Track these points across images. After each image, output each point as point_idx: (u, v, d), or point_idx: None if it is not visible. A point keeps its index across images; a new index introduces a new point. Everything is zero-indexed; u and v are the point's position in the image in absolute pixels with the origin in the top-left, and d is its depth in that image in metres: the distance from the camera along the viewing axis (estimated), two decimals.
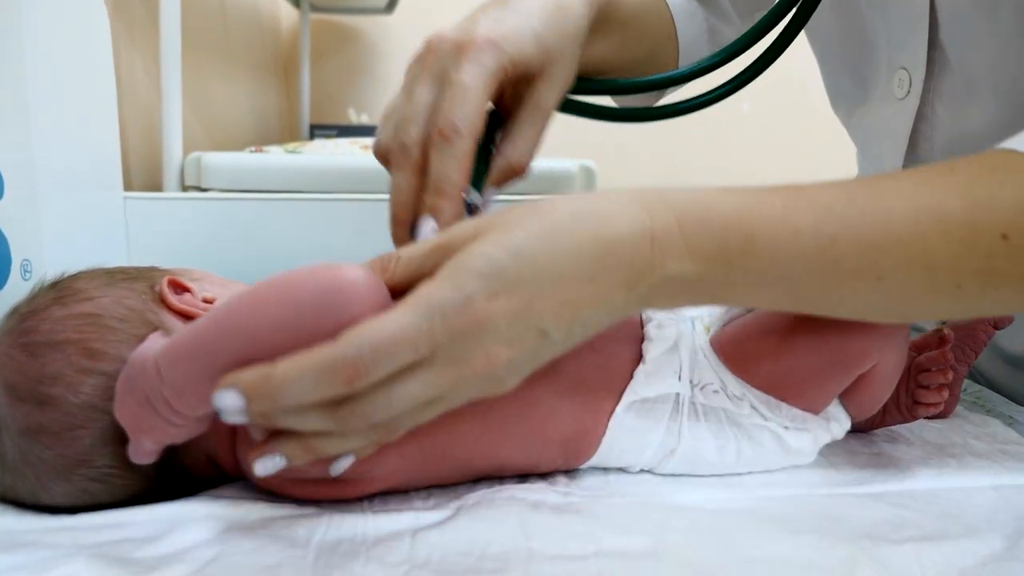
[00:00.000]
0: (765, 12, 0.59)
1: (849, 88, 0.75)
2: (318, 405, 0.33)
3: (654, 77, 0.57)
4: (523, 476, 0.46)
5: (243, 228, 1.04)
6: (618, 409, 0.45)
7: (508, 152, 0.47)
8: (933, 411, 0.52)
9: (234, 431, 0.42)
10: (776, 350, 0.46)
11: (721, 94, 0.58)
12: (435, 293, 0.33)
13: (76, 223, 0.92)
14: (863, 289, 0.39)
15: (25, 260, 0.81)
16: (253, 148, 1.28)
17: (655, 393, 0.46)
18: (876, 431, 0.54)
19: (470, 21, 0.46)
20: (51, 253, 0.84)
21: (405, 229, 0.43)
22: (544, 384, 0.43)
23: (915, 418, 0.53)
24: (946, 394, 0.52)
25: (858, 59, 0.72)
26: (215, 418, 0.35)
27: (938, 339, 0.53)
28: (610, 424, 0.45)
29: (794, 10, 0.58)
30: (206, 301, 0.45)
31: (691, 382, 0.47)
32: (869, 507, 0.43)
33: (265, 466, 0.35)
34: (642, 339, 0.47)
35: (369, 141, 1.56)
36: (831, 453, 0.50)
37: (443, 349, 0.33)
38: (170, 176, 1.14)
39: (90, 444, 0.40)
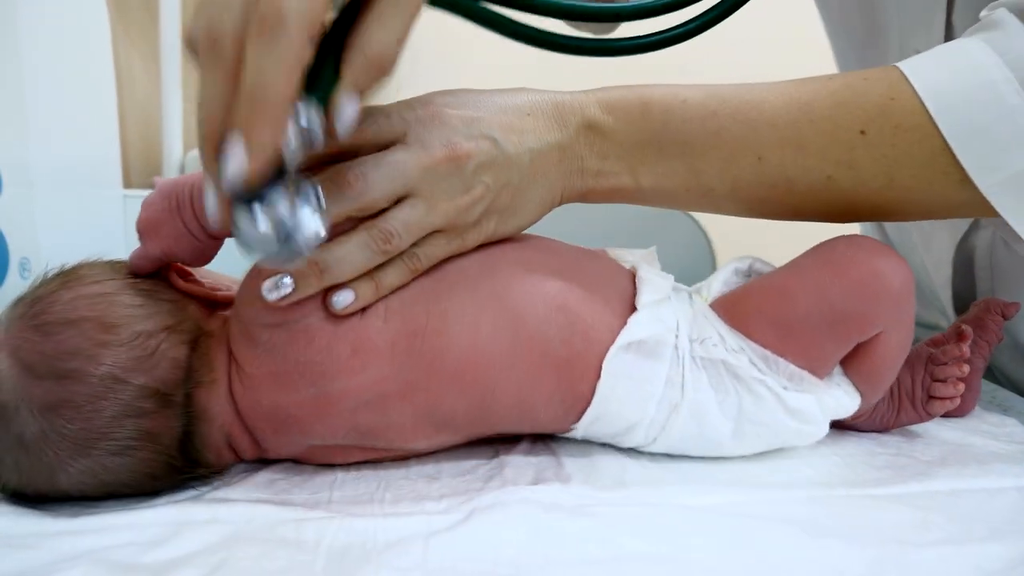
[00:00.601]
0: None
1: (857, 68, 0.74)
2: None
3: (618, 5, 0.50)
4: (536, 478, 0.45)
5: None
6: (612, 348, 0.45)
7: (364, 43, 0.35)
8: (949, 406, 0.51)
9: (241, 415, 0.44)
10: (776, 304, 0.47)
11: (691, 30, 0.52)
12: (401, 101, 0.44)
13: (74, 221, 0.91)
14: (748, 168, 0.47)
15: (23, 258, 0.80)
16: None
17: (649, 333, 0.45)
18: (892, 431, 0.53)
19: None
20: (49, 251, 0.83)
21: (215, 149, 0.33)
22: (534, 302, 0.45)
23: (931, 415, 0.52)
24: (962, 387, 0.51)
25: (867, 43, 0.71)
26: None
27: (956, 334, 0.52)
28: (605, 365, 0.45)
29: None
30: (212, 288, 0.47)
31: (689, 338, 0.46)
32: (890, 509, 0.42)
33: (274, 288, 0.41)
34: (635, 295, 0.48)
35: None
36: (848, 454, 0.49)
37: (412, 129, 0.43)
38: (170, 173, 1.13)
39: (111, 416, 0.40)
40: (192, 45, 0.34)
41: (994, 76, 0.44)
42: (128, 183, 1.07)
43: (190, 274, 0.47)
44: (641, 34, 0.51)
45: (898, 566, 0.36)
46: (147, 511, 0.40)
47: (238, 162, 0.32)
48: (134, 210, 1.05)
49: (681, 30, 0.51)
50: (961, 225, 0.48)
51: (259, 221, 0.34)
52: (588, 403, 0.45)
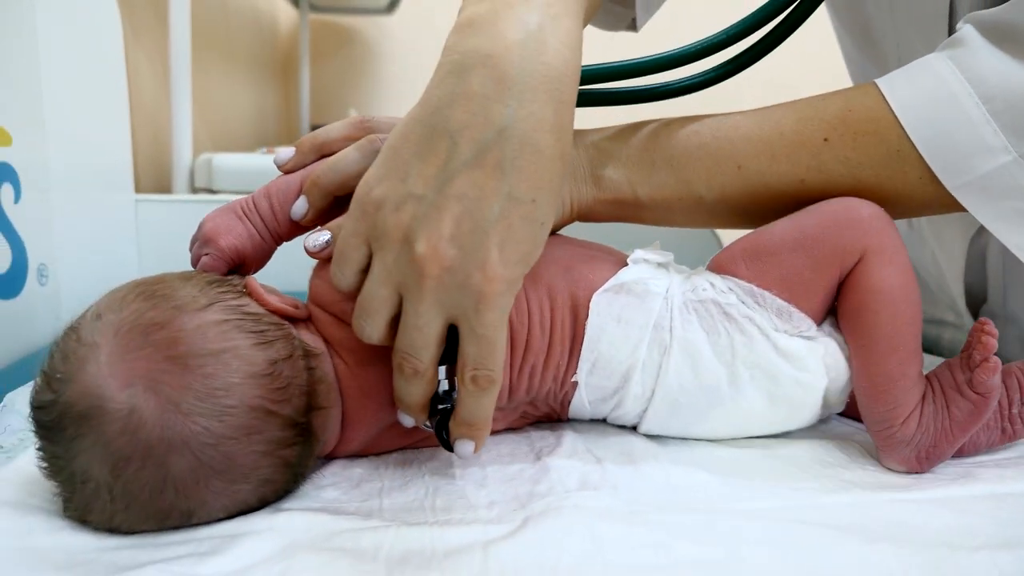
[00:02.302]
0: None
1: (863, 79, 0.76)
2: None
3: (652, 57, 0.57)
4: (582, 481, 0.45)
5: None
6: (599, 291, 0.50)
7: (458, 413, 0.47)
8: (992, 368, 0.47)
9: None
10: (755, 237, 0.52)
11: (718, 76, 0.59)
12: None
13: (88, 226, 0.90)
14: (731, 175, 0.52)
15: (41, 264, 0.80)
16: (265, 149, 1.27)
17: (634, 278, 0.50)
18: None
19: (476, 234, 0.39)
20: (65, 257, 0.83)
21: (425, 412, 0.44)
22: (546, 264, 0.50)
23: (982, 391, 0.47)
24: (993, 345, 0.48)
25: (868, 59, 0.72)
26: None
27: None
28: (592, 304, 0.49)
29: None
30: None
31: (682, 291, 0.50)
32: (935, 514, 0.43)
33: (317, 240, 0.46)
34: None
35: None
36: None
37: None
38: (179, 178, 1.13)
39: (262, 450, 0.40)
40: (364, 334, 0.43)
41: (956, 90, 0.48)
42: (138, 188, 1.07)
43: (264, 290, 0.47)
44: (686, 76, 0.58)
45: (951, 569, 0.37)
46: (204, 526, 0.40)
47: (470, 447, 0.44)
48: (146, 215, 1.05)
49: (720, 71, 0.58)
50: (973, 221, 0.50)
51: None
52: (582, 332, 0.49)
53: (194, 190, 1.14)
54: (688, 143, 0.53)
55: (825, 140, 0.51)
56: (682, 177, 0.53)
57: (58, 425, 0.39)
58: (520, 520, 0.40)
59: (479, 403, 0.42)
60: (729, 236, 1.14)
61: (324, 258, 0.46)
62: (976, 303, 0.74)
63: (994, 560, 0.38)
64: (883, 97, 0.50)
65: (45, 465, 0.40)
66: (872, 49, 0.71)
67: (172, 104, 1.10)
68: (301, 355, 0.44)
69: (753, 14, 0.57)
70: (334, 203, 0.49)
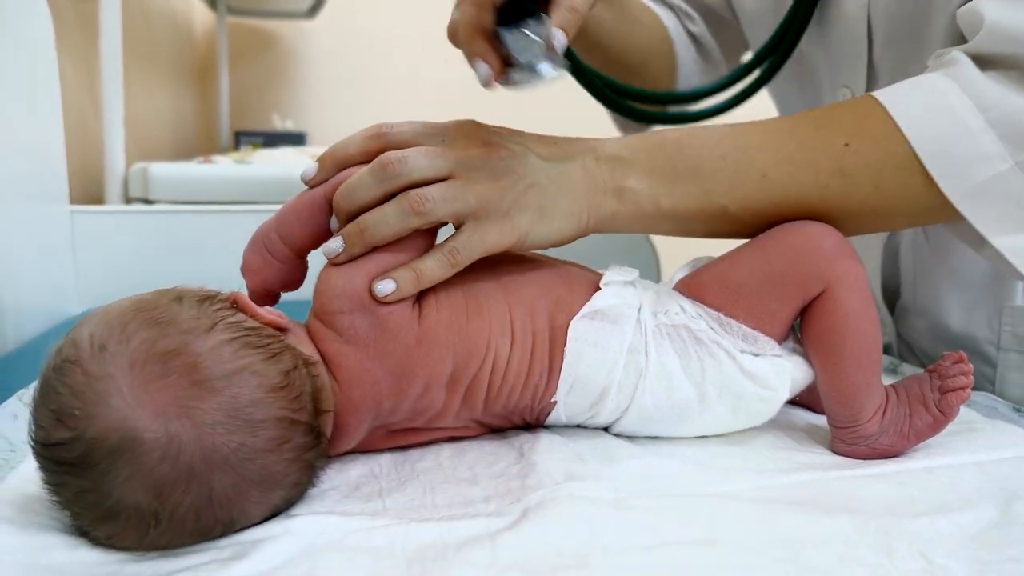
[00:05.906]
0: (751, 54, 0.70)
1: (800, 106, 0.83)
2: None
3: (681, 92, 0.67)
4: (568, 473, 0.48)
5: (195, 240, 1.02)
6: (576, 317, 0.52)
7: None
8: (964, 396, 0.52)
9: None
10: (725, 269, 0.54)
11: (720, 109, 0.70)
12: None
13: (22, 238, 0.88)
14: (753, 186, 0.53)
15: None
16: (202, 159, 1.25)
17: (608, 304, 0.52)
18: None
19: None
20: (2, 270, 0.81)
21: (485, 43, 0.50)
22: (531, 287, 0.54)
23: (946, 412, 0.52)
24: (971, 381, 0.53)
25: (803, 79, 0.80)
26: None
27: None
28: (570, 331, 0.52)
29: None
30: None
31: (653, 313, 0.53)
32: (878, 487, 0.48)
33: (330, 247, 0.49)
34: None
35: (311, 150, 1.52)
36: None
37: (454, 131, 0.53)
38: (112, 188, 1.10)
39: (291, 457, 0.43)
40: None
41: (954, 102, 0.52)
42: (70, 199, 1.04)
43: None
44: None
45: (902, 534, 0.42)
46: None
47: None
48: (81, 226, 1.02)
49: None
50: None
51: (527, 33, 0.50)
52: (562, 368, 0.52)
53: (128, 200, 1.12)
54: (711, 154, 0.54)
55: (847, 145, 0.52)
56: (705, 187, 0.54)
57: (86, 461, 0.39)
58: (519, 512, 0.43)
59: None
60: (665, 249, 1.20)
61: (339, 262, 0.50)
62: (892, 298, 0.82)
63: (933, 523, 0.43)
64: (884, 108, 0.52)
65: (68, 499, 0.40)
66: (805, 77, 0.78)
67: (104, 113, 1.07)
68: (303, 364, 0.46)
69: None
70: None
